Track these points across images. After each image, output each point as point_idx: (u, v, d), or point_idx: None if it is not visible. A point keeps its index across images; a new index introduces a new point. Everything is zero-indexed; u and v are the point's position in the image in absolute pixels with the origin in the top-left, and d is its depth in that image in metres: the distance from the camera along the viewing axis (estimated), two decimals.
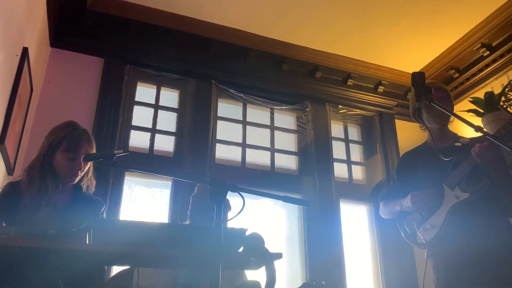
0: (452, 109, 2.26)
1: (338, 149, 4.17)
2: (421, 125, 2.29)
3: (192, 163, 3.48)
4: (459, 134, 2.26)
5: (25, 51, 2.53)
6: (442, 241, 2.03)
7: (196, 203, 2.35)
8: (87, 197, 2.02)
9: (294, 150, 4.10)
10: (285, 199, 1.54)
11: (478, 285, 1.88)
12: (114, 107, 3.38)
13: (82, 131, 1.99)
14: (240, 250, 1.58)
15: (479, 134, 1.76)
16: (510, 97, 3.37)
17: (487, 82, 3.86)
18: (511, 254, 1.90)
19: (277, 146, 4.01)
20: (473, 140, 2.09)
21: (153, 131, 3.62)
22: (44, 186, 1.85)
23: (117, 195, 3.23)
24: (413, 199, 2.08)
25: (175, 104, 3.82)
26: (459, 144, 2.14)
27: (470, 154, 1.96)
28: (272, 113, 4.11)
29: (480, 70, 3.92)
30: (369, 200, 4.09)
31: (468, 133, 2.56)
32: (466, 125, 1.83)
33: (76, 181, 1.95)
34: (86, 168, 1.97)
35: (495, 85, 3.74)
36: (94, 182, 2.07)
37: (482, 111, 3.32)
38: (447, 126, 2.23)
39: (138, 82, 3.71)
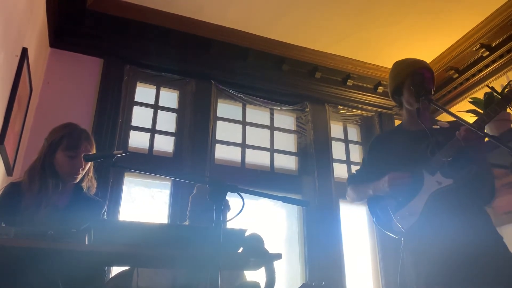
0: (434, 87, 2.12)
1: (337, 149, 4.17)
2: (398, 105, 2.18)
3: (192, 163, 3.48)
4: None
5: (24, 51, 2.53)
6: (421, 230, 1.88)
7: (195, 204, 2.35)
8: (88, 198, 2.02)
9: (293, 151, 4.10)
10: (284, 199, 1.54)
11: (462, 284, 1.78)
12: (113, 107, 3.38)
13: (82, 129, 2.00)
14: (240, 250, 1.58)
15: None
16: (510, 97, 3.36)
17: (486, 82, 3.86)
18: (496, 253, 1.81)
19: (276, 146, 4.01)
20: (452, 124, 2.00)
21: (153, 131, 3.62)
22: (44, 187, 1.85)
23: (117, 195, 3.23)
24: (391, 181, 1.92)
25: (174, 105, 3.82)
26: (437, 127, 2.05)
27: (450, 138, 1.83)
28: (271, 114, 4.11)
29: (480, 71, 3.92)
30: None
31: None
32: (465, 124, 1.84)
33: (78, 180, 1.95)
34: (87, 167, 1.97)
35: (495, 86, 3.73)
36: (95, 183, 2.07)
37: (481, 111, 3.32)
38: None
39: (138, 83, 3.71)
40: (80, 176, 1.95)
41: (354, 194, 2.22)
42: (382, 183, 1.98)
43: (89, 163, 1.97)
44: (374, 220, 2.07)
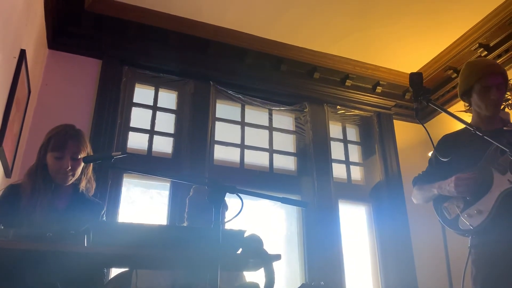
0: (506, 90, 2.10)
1: (336, 149, 4.17)
2: (467, 106, 2.16)
3: (191, 164, 3.48)
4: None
5: (22, 53, 2.52)
6: (490, 229, 1.84)
7: (192, 205, 2.35)
8: (87, 199, 2.00)
9: (292, 151, 4.10)
10: (283, 200, 1.53)
11: None
12: (112, 108, 3.38)
13: (70, 130, 1.93)
14: (239, 251, 1.57)
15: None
16: (508, 97, 3.37)
17: None
18: None
19: (275, 147, 4.01)
20: None
21: (152, 132, 3.62)
22: (37, 188, 1.84)
23: (116, 196, 3.23)
24: (457, 182, 1.90)
25: (173, 105, 3.81)
26: (508, 128, 2.03)
27: None
28: (270, 114, 4.11)
29: None
30: (368, 201, 4.09)
31: None
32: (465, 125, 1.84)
33: (70, 182, 1.92)
34: (79, 168, 1.93)
35: None
36: (94, 184, 2.05)
37: None
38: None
39: (136, 84, 3.71)
40: (71, 178, 1.91)
41: (419, 195, 2.18)
42: (448, 183, 1.95)
43: (81, 165, 1.93)
44: (440, 220, 2.04)
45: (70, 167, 1.87)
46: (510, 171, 1.87)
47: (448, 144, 2.19)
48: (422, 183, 2.18)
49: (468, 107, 2.21)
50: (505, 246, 1.81)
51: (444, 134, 2.25)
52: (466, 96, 2.15)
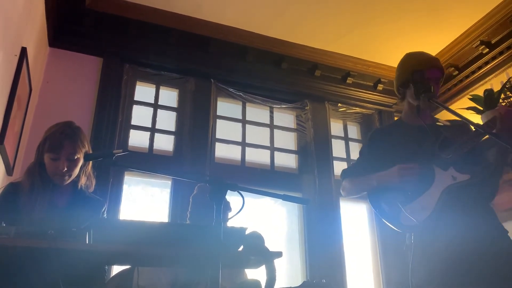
0: (439, 87, 2.10)
1: (337, 147, 4.17)
2: (400, 98, 2.14)
3: (192, 162, 3.48)
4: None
5: (23, 51, 2.52)
6: (435, 226, 1.81)
7: (196, 204, 2.35)
8: (88, 197, 2.00)
9: (293, 149, 4.10)
10: (284, 197, 1.53)
11: (477, 283, 1.71)
12: (113, 106, 3.38)
13: (66, 129, 1.90)
14: (240, 249, 1.58)
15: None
16: (510, 95, 3.36)
17: (486, 79, 3.85)
18: (508, 256, 1.75)
19: (276, 144, 4.01)
20: (454, 122, 2.02)
21: (153, 130, 3.62)
22: (35, 186, 1.84)
23: (117, 194, 3.23)
24: (402, 172, 1.85)
25: (174, 103, 3.81)
26: (441, 124, 2.03)
27: (457, 134, 1.84)
28: (271, 112, 4.11)
29: (480, 68, 3.91)
30: None
31: None
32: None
33: (67, 182, 1.91)
34: (76, 169, 1.91)
35: (495, 83, 3.74)
36: (94, 181, 2.04)
37: (481, 108, 3.32)
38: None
39: (137, 82, 3.70)
40: (67, 178, 1.90)
41: (352, 187, 2.11)
42: (390, 173, 1.90)
43: (79, 164, 1.92)
44: (378, 213, 1.98)
45: (66, 168, 1.86)
46: (454, 167, 1.85)
47: (382, 138, 2.16)
48: (355, 176, 2.12)
49: (401, 101, 2.16)
50: (452, 243, 1.77)
51: (375, 128, 2.21)
52: (402, 87, 2.13)
